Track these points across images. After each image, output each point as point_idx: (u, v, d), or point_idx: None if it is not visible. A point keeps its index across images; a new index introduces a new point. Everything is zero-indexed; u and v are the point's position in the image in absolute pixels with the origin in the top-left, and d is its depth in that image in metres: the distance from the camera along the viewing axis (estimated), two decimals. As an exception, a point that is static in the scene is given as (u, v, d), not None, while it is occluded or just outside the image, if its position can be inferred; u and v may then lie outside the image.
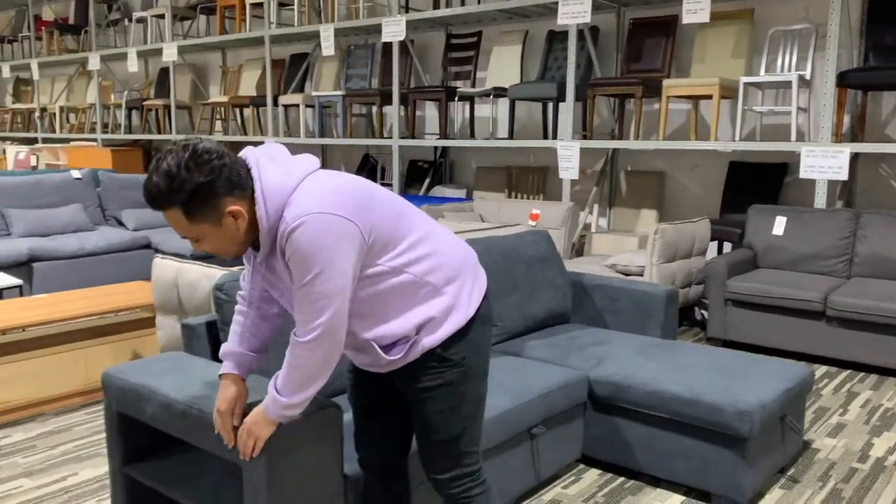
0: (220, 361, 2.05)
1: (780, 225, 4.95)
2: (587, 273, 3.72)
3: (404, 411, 1.97)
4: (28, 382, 3.52)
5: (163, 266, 3.38)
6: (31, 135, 11.65)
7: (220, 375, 1.91)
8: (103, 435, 3.32)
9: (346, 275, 1.63)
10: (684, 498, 2.78)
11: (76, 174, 6.45)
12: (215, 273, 3.17)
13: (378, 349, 1.77)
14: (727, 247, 5.83)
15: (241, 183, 1.65)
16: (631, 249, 5.70)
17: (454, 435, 1.83)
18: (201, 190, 1.60)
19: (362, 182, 1.72)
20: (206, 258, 5.56)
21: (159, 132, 9.97)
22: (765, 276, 4.66)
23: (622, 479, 2.94)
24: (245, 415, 1.85)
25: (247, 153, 1.71)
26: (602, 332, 3.40)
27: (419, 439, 1.87)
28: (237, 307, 1.95)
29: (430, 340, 1.77)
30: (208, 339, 2.48)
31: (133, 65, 9.70)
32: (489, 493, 1.91)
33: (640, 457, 2.87)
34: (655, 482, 2.92)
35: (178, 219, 1.63)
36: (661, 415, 2.77)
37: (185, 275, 3.26)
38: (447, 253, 1.80)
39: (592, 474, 2.97)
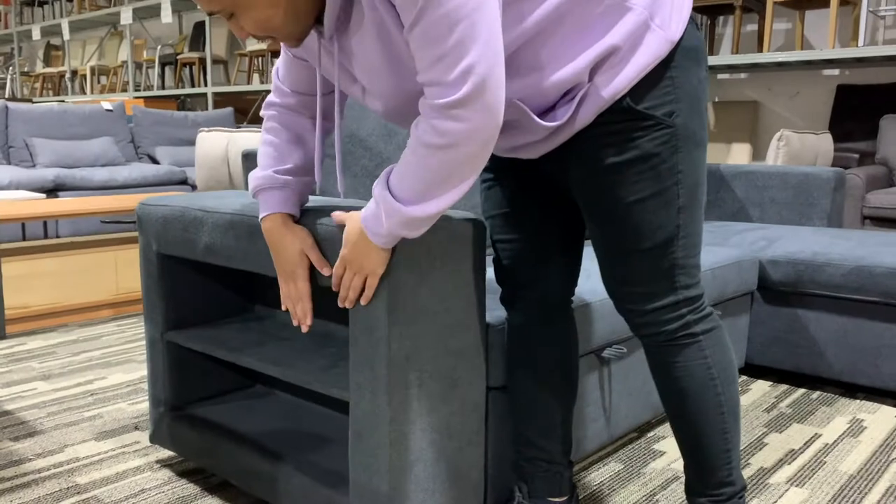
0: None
1: (918, 139, 4.23)
2: (723, 162, 3.04)
3: (571, 217, 1.33)
4: (50, 286, 2.92)
5: (209, 140, 2.76)
6: (61, 98, 11.21)
7: (261, 221, 1.28)
8: (136, 343, 2.71)
9: None
10: (897, 411, 2.10)
11: (107, 106, 5.89)
12: (276, 138, 2.55)
13: (532, 115, 1.12)
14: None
15: None
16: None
17: (663, 239, 1.16)
18: None
19: None
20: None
21: (193, 87, 9.45)
22: (908, 192, 3.94)
23: (803, 390, 2.26)
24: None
25: None
26: (753, 224, 2.72)
27: (605, 256, 1.21)
28: (267, 123, 1.31)
29: (614, 87, 1.10)
30: (279, 173, 1.85)
31: (167, 16, 9.18)
32: (721, 331, 1.25)
33: (831, 360, 2.19)
34: (851, 392, 2.23)
35: None
36: (870, 298, 2.09)
37: (237, 145, 2.63)
38: None
39: (762, 386, 2.30)
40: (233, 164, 2.65)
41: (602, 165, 1.14)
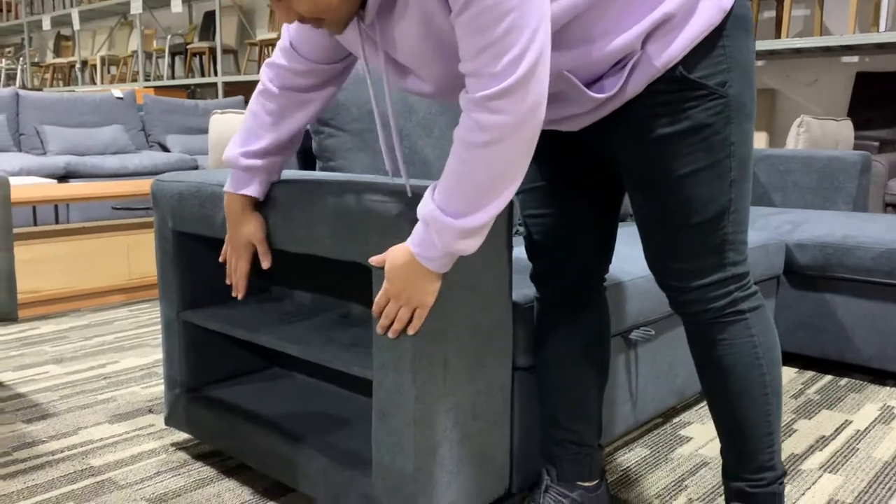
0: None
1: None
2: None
3: (608, 193, 1.27)
4: (63, 270, 2.89)
5: (223, 122, 2.72)
6: (71, 88, 11.20)
7: (224, 192, 1.35)
8: (149, 329, 2.68)
9: None
10: (928, 398, 2.04)
11: (117, 93, 5.86)
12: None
13: (581, 87, 1.07)
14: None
15: None
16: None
17: (714, 213, 1.11)
18: None
19: None
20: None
21: (203, 76, 9.42)
22: (931, 179, 3.87)
23: (830, 376, 2.20)
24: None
25: None
26: (778, 208, 2.67)
27: (651, 231, 1.16)
28: (261, 86, 1.30)
29: (667, 55, 1.05)
30: (298, 150, 1.81)
31: (177, 5, 9.14)
32: (766, 310, 1.20)
33: (859, 346, 2.13)
34: (881, 378, 2.18)
35: None
36: (901, 282, 2.03)
37: (251, 126, 2.59)
38: None
39: (787, 372, 2.24)
40: (247, 147, 2.61)
41: (652, 136, 1.09)
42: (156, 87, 9.36)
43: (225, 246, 1.41)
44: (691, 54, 1.06)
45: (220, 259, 1.39)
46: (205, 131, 6.24)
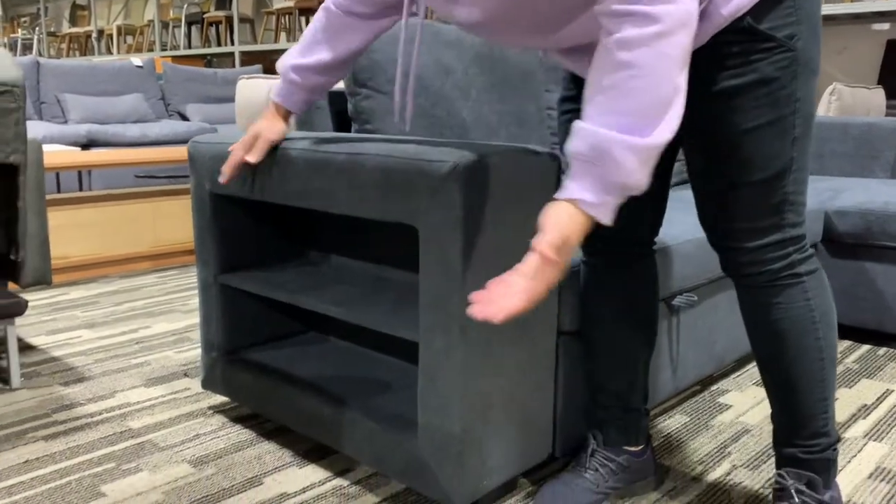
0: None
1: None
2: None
3: (664, 153, 1.24)
4: (90, 237, 2.89)
5: (250, 86, 2.69)
6: (87, 58, 11.17)
7: (271, 98, 1.39)
8: (178, 295, 2.68)
9: None
10: (969, 368, 2.01)
11: (136, 62, 5.83)
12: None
13: None
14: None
15: None
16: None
17: (776, 171, 1.08)
18: None
19: None
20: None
21: (220, 46, 9.36)
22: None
23: (868, 346, 2.17)
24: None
25: None
26: (816, 176, 2.62)
27: (709, 190, 1.12)
28: (322, 7, 1.31)
29: (735, 5, 1.01)
30: (331, 112, 1.78)
31: (193, -27, 9.06)
32: (823, 273, 1.17)
33: (900, 314, 2.10)
34: (920, 349, 2.15)
35: None
36: (945, 250, 1.99)
37: (279, 91, 2.56)
38: None
39: (824, 342, 2.21)
40: (275, 112, 2.59)
41: (716, 89, 1.06)
42: (173, 57, 9.31)
43: (239, 142, 1.41)
44: (760, 4, 1.02)
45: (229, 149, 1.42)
46: (224, 100, 6.21)
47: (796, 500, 1.15)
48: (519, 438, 1.31)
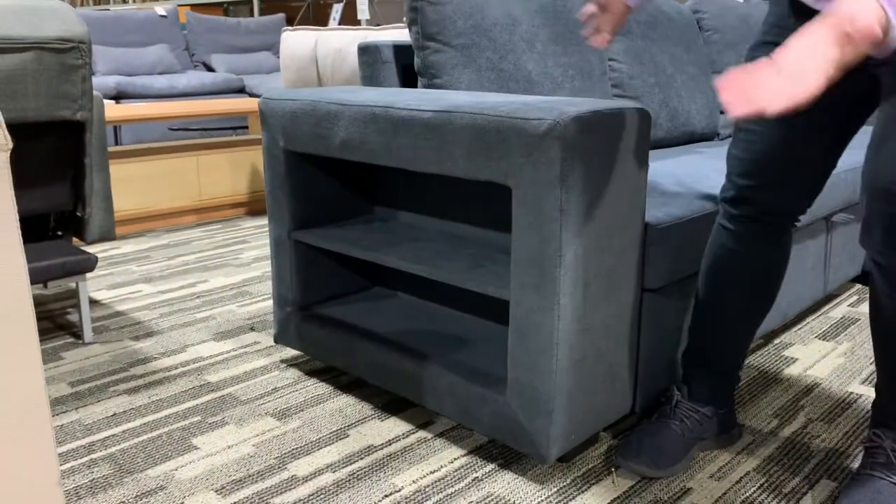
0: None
1: None
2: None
3: (847, 126, 1.18)
4: (135, 192, 2.91)
5: (296, 39, 2.66)
6: (103, 7, 11.02)
7: None
8: (228, 249, 2.70)
9: None
10: None
11: (161, 11, 5.76)
12: (368, 34, 2.45)
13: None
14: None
15: None
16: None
17: None
18: None
19: None
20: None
21: (238, -6, 9.20)
22: None
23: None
24: None
25: None
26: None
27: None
28: None
29: None
30: (397, 67, 1.77)
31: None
32: None
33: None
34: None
35: None
36: None
37: (328, 43, 2.53)
38: None
39: (880, 295, 2.21)
40: (321, 64, 2.56)
41: None
42: (191, 5, 9.19)
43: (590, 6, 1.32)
44: None
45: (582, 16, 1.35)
46: (249, 50, 6.15)
47: (892, 458, 1.16)
48: (605, 393, 1.33)
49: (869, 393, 1.59)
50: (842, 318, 2.02)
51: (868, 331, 1.92)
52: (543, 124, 1.14)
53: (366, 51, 1.76)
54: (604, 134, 1.19)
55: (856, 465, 1.33)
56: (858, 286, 2.29)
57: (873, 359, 1.76)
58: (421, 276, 1.73)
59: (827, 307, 2.11)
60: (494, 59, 1.73)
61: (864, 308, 2.10)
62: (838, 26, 0.84)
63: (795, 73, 0.84)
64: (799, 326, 1.97)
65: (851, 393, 1.60)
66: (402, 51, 1.78)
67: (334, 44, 2.51)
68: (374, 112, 1.38)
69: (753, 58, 1.22)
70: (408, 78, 1.81)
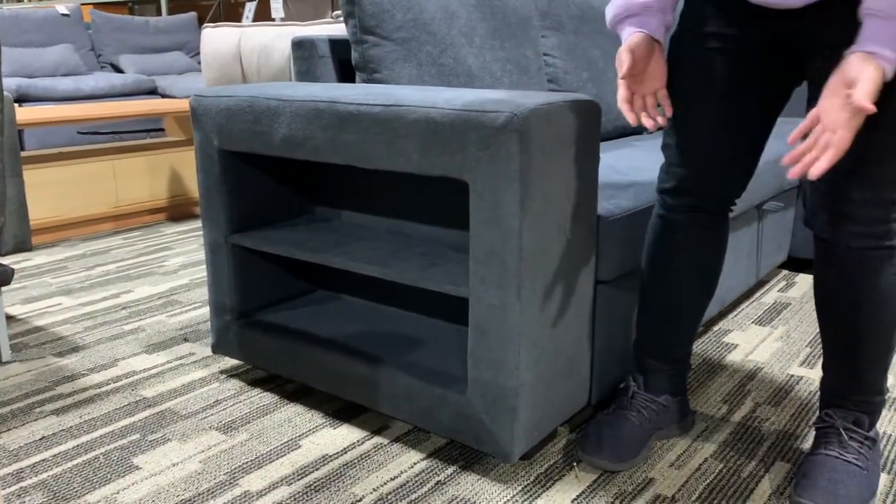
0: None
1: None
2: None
3: (776, 104, 1.20)
4: (48, 199, 2.73)
5: (218, 36, 2.56)
6: (5, 6, 10.40)
7: (629, 36, 1.15)
8: (151, 256, 2.57)
9: None
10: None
11: (62, 10, 5.47)
12: (294, 30, 2.37)
13: None
14: None
15: None
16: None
17: None
18: None
19: None
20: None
21: (144, -7, 8.85)
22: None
23: None
24: None
25: None
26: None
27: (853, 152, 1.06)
28: None
29: None
30: (333, 62, 1.71)
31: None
32: None
33: None
34: None
35: None
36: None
37: (252, 39, 2.45)
38: None
39: (806, 279, 2.30)
40: (246, 61, 2.47)
41: None
42: (94, 4, 8.78)
43: (624, 91, 1.14)
44: None
45: (620, 102, 1.15)
46: (159, 50, 5.91)
47: (845, 436, 1.19)
48: (563, 388, 1.32)
49: (808, 374, 1.64)
50: (774, 304, 2.08)
51: (800, 315, 1.99)
52: (501, 117, 1.11)
53: (301, 45, 1.69)
54: (558, 126, 1.17)
55: (806, 446, 1.36)
56: (786, 272, 2.37)
57: (809, 341, 1.82)
58: (367, 277, 1.68)
59: (759, 293, 2.17)
60: (434, 53, 1.70)
61: (794, 293, 2.17)
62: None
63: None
64: (735, 313, 2.02)
65: (792, 376, 1.64)
66: (338, 45, 1.72)
67: (259, 40, 2.42)
68: (319, 107, 1.32)
69: (678, 51, 1.21)
70: (345, 73, 1.76)
